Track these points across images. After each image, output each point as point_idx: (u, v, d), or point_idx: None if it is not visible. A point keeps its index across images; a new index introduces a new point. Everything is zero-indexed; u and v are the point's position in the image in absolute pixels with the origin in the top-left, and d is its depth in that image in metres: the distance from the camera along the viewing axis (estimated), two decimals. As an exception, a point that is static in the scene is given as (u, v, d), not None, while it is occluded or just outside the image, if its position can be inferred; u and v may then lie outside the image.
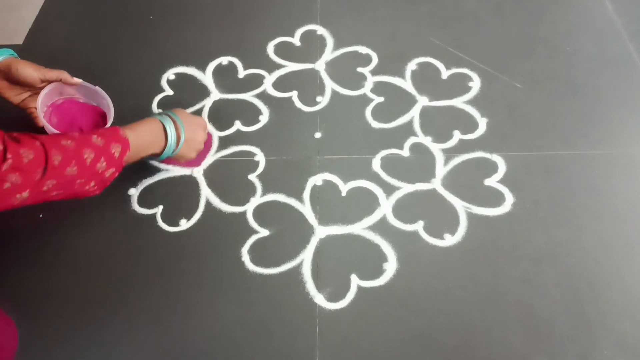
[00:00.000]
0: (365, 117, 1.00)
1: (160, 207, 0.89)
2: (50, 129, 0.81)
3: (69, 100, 0.90)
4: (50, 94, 0.85)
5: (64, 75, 0.83)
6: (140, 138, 0.73)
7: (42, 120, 0.82)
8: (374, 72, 1.07)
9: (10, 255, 0.84)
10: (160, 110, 0.79)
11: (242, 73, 1.08)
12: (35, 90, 0.83)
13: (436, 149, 0.95)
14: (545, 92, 1.02)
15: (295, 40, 1.13)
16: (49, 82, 0.83)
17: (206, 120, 0.96)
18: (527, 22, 1.15)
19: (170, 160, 0.85)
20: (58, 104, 0.89)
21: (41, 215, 0.87)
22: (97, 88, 0.88)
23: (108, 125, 0.87)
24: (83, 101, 0.92)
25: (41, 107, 0.83)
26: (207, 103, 1.03)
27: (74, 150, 0.61)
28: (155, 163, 0.94)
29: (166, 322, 0.78)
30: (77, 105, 0.91)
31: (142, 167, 0.94)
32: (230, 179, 0.92)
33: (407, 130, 0.98)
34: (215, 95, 1.04)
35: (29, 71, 0.78)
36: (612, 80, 1.04)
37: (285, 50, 1.11)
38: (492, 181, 0.90)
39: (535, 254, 0.82)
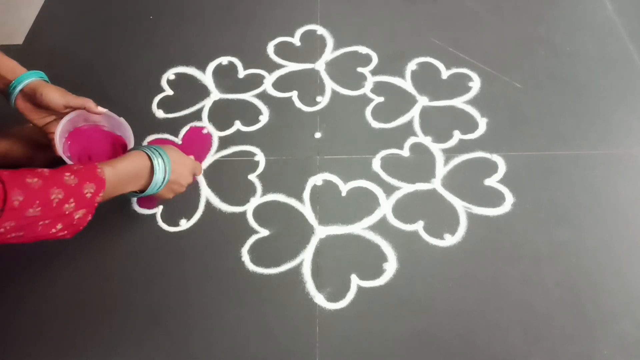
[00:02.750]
0: (365, 117, 1.00)
1: (160, 207, 0.89)
2: (64, 157, 0.79)
3: (93, 127, 0.87)
4: (75, 120, 0.83)
5: (89, 103, 0.81)
6: (121, 175, 0.69)
7: (58, 148, 0.79)
8: (374, 72, 1.07)
9: (9, 256, 0.84)
10: (149, 146, 0.76)
11: (242, 73, 1.08)
12: (59, 115, 0.81)
13: (436, 149, 0.95)
14: (545, 92, 1.02)
15: (295, 40, 1.13)
16: (73, 108, 0.80)
17: (199, 164, 0.89)
18: (527, 22, 1.15)
19: (145, 198, 0.81)
20: (81, 129, 0.86)
21: (41, 215, 0.87)
22: (122, 119, 0.86)
23: None
24: (107, 130, 0.88)
25: (61, 133, 0.81)
26: (207, 103, 1.03)
27: (39, 189, 0.57)
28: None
29: (166, 322, 0.78)
30: (98, 132, 0.88)
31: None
32: (230, 179, 0.92)
33: (407, 130, 0.98)
34: (215, 95, 1.04)
35: (54, 96, 0.76)
36: (612, 81, 1.04)
37: (285, 50, 1.11)
38: (492, 181, 0.90)
39: (535, 254, 0.82)
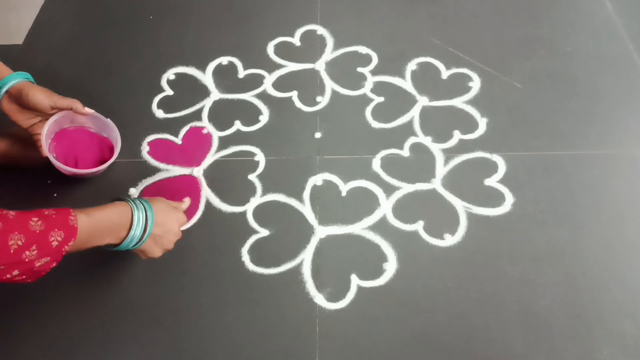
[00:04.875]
0: (365, 117, 1.00)
1: (160, 207, 0.89)
2: (51, 158, 0.80)
3: (79, 128, 0.88)
4: (61, 121, 0.83)
5: (76, 104, 0.80)
6: (97, 225, 0.63)
7: (45, 150, 0.80)
8: (374, 72, 1.07)
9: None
10: (136, 198, 0.71)
11: (242, 73, 1.08)
12: (45, 116, 0.81)
13: (436, 149, 0.95)
14: (545, 92, 1.02)
15: (295, 40, 1.13)
16: (60, 109, 0.80)
17: (186, 219, 0.81)
18: (527, 22, 1.15)
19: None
20: (67, 130, 0.87)
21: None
22: (108, 120, 0.86)
23: (113, 159, 0.86)
24: (93, 131, 0.89)
25: (47, 134, 0.81)
26: (207, 103, 1.03)
27: None
28: (154, 162, 0.94)
29: (166, 322, 0.78)
30: (85, 134, 0.88)
31: (142, 167, 0.94)
32: (230, 179, 0.92)
33: (407, 130, 0.98)
34: (215, 95, 1.04)
35: (40, 97, 0.76)
36: (612, 80, 1.04)
37: (285, 50, 1.11)
38: (492, 181, 0.90)
39: (535, 254, 0.82)
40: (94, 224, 0.63)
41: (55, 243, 0.57)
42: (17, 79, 0.76)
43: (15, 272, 0.55)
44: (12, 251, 0.53)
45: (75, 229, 0.60)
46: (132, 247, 0.68)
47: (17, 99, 0.76)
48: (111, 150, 0.89)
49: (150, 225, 0.69)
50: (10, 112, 0.78)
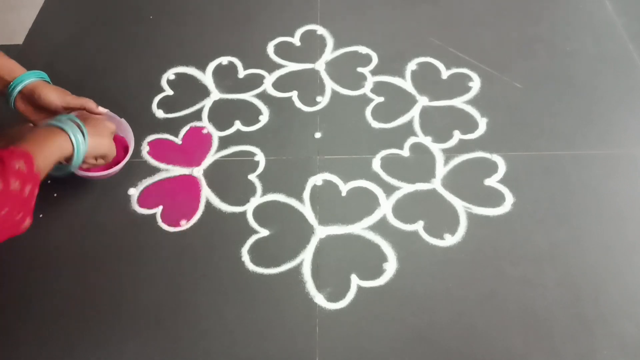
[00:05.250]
0: (365, 117, 1.00)
1: (160, 207, 0.89)
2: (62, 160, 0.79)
3: None
4: None
5: (89, 103, 0.79)
6: (39, 144, 0.66)
7: None
8: (374, 72, 1.07)
9: (9, 255, 0.84)
10: (66, 117, 0.72)
11: (242, 73, 1.08)
12: None
13: (436, 149, 0.95)
14: (545, 92, 1.02)
15: (295, 40, 1.13)
16: (73, 109, 0.79)
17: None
18: (527, 22, 1.15)
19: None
20: None
21: (41, 216, 0.87)
22: (123, 120, 0.86)
23: (126, 160, 0.85)
24: None
25: None
26: (207, 103, 1.03)
27: None
28: (154, 162, 0.94)
29: (166, 322, 0.78)
30: None
31: (142, 167, 0.94)
32: (230, 179, 0.92)
33: (407, 130, 0.98)
34: (215, 95, 1.04)
35: (52, 97, 0.75)
36: (612, 80, 1.04)
37: (285, 50, 1.11)
38: (492, 181, 0.90)
39: (535, 254, 0.82)
40: (37, 144, 0.65)
41: (23, 168, 0.59)
42: (31, 79, 0.75)
43: (20, 215, 0.58)
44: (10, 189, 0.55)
45: (27, 153, 0.62)
46: (85, 146, 0.71)
47: (31, 99, 0.75)
48: (125, 150, 0.88)
49: (85, 131, 0.71)
50: (25, 112, 0.77)
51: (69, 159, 0.71)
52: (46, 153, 0.66)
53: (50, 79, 0.79)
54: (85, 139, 0.71)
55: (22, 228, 0.60)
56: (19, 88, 0.74)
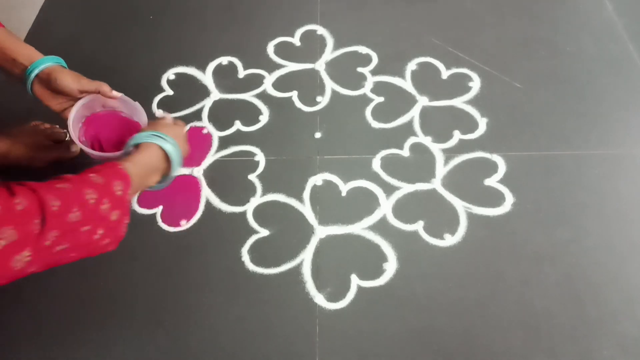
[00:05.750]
0: (365, 117, 1.00)
1: (160, 207, 0.89)
2: (78, 143, 0.78)
3: (110, 112, 0.85)
4: (90, 105, 0.82)
5: (103, 87, 0.80)
6: (142, 168, 0.69)
7: (71, 133, 0.78)
8: (374, 72, 1.07)
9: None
10: (149, 133, 0.74)
11: (242, 73, 1.08)
12: (76, 100, 0.80)
13: (436, 149, 0.95)
14: (545, 92, 1.02)
15: (295, 40, 1.13)
16: (88, 92, 0.79)
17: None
18: (527, 22, 1.15)
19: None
20: (98, 114, 0.85)
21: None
22: (137, 104, 0.84)
23: None
24: (125, 115, 0.87)
25: (77, 118, 0.79)
26: (207, 103, 1.03)
27: (71, 191, 0.54)
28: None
29: (166, 322, 0.78)
30: (115, 118, 0.86)
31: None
32: (230, 179, 0.92)
33: (407, 130, 0.98)
34: (215, 95, 1.04)
35: (68, 81, 0.76)
36: (612, 81, 1.04)
37: (285, 50, 1.11)
38: (492, 181, 0.90)
39: (535, 254, 0.82)
40: (140, 168, 0.68)
41: (119, 193, 0.60)
42: (47, 63, 0.75)
43: (100, 231, 0.57)
44: (91, 205, 0.55)
45: (128, 176, 0.64)
46: (178, 157, 0.75)
47: (47, 84, 0.75)
48: None
49: (179, 149, 0.75)
50: (42, 97, 0.77)
51: (164, 171, 0.74)
52: (143, 180, 0.69)
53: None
54: (175, 146, 0.74)
55: (102, 247, 0.60)
56: (35, 72, 0.74)
